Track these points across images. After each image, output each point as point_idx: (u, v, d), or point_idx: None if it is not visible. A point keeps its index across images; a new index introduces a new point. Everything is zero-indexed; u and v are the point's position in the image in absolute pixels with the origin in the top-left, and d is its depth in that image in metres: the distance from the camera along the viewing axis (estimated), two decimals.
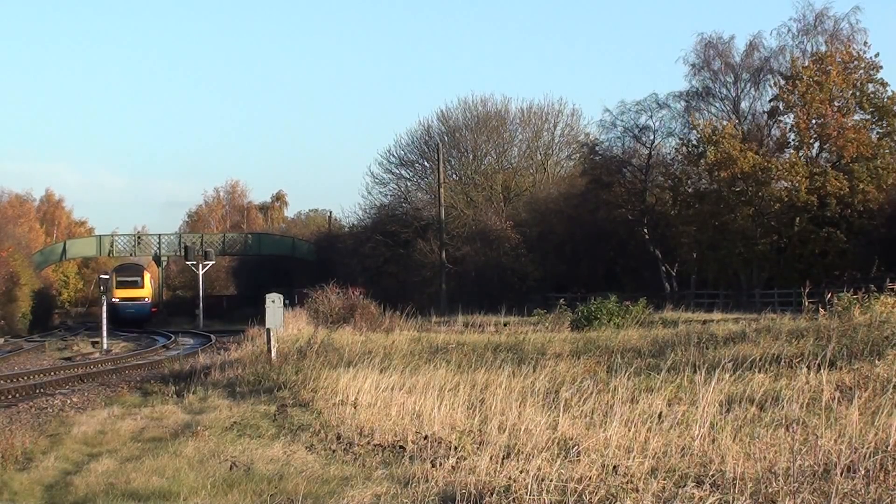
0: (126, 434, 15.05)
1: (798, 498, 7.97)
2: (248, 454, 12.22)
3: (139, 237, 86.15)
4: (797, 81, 49.06)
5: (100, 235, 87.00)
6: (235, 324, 52.01)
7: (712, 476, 8.82)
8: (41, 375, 27.43)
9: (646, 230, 54.98)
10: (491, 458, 9.74)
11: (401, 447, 11.79)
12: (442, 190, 60.71)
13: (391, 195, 70.44)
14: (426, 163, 68.25)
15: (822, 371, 12.93)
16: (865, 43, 50.68)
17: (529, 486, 8.65)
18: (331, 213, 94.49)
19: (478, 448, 10.51)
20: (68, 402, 20.57)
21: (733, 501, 8.14)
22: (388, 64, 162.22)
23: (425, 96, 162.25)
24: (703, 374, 12.67)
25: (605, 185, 56.64)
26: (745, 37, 73.48)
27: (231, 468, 11.38)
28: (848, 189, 47.30)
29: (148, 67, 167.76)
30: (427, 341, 24.55)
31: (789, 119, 51.30)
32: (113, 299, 64.39)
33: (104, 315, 40.05)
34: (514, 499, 8.59)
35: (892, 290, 25.52)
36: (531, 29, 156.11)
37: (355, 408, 14.32)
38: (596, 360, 17.82)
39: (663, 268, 54.47)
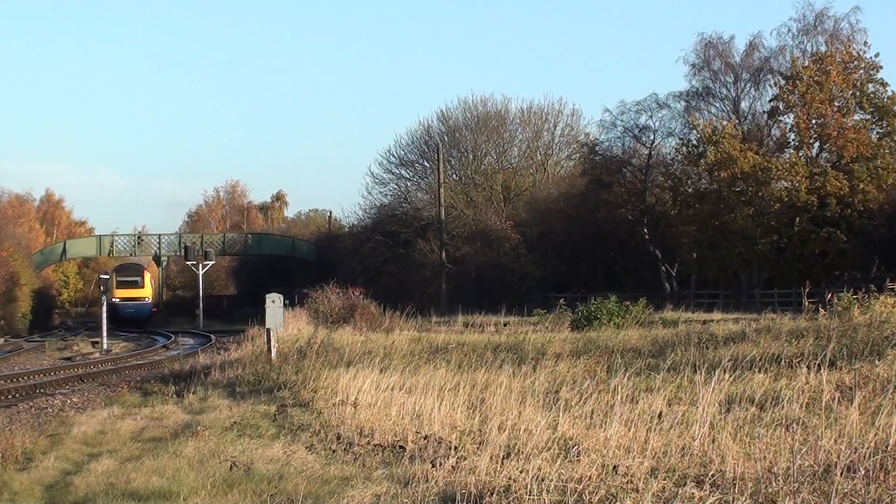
0: (126, 434, 15.05)
1: (798, 498, 7.97)
2: (248, 454, 12.22)
3: (139, 237, 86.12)
4: (797, 81, 49.06)
5: (100, 235, 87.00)
6: (235, 324, 52.00)
7: (712, 476, 8.81)
8: (41, 375, 27.43)
9: (646, 230, 54.98)
10: (491, 458, 9.74)
11: (401, 447, 11.79)
12: (442, 190, 60.70)
13: (391, 195, 70.51)
14: (426, 163, 68.27)
15: (822, 371, 12.93)
16: (865, 43, 50.75)
17: (529, 486, 8.65)
18: (331, 213, 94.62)
19: (478, 448, 10.51)
20: (68, 402, 20.57)
21: (733, 501, 8.13)
22: (388, 64, 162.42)
23: (425, 96, 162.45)
24: (703, 374, 12.68)
25: (605, 185, 56.63)
26: (745, 37, 73.66)
27: (231, 468, 11.38)
28: (848, 189, 47.30)
29: (148, 67, 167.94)
30: (427, 341, 24.55)
31: (789, 119, 51.31)
32: (113, 299, 64.38)
33: (104, 315, 40.05)
34: (514, 499, 8.59)
35: (892, 290, 25.55)
36: (531, 29, 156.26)
37: (355, 408, 14.32)
38: (596, 360, 17.81)
39: (663, 268, 54.47)
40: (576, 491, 8.58)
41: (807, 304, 25.90)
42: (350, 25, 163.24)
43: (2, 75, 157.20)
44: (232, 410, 16.34)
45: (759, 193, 49.38)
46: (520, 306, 43.46)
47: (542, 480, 8.75)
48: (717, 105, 55.45)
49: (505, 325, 33.40)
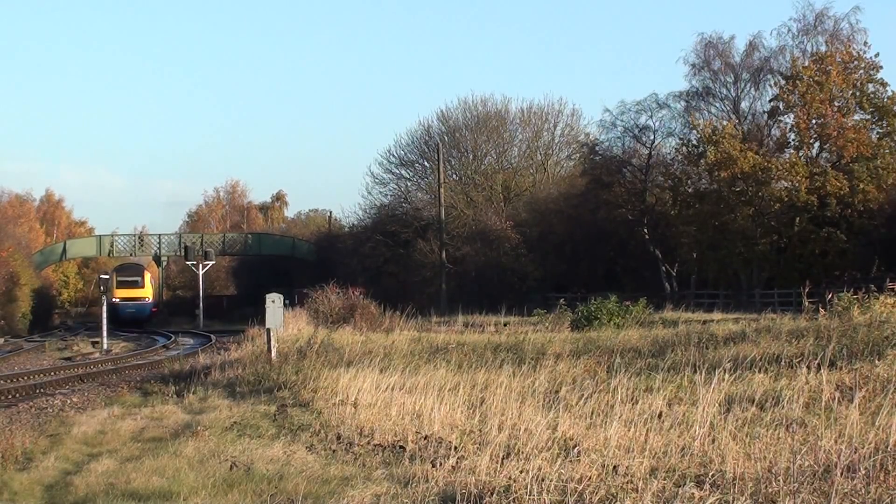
0: (126, 434, 15.05)
1: (798, 498, 7.97)
2: (248, 454, 12.22)
3: (140, 237, 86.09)
4: (797, 81, 49.06)
5: (100, 235, 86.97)
6: (235, 324, 52.01)
7: (712, 476, 8.82)
8: (41, 375, 27.43)
9: (646, 230, 54.98)
10: (491, 458, 9.74)
11: (401, 447, 11.79)
12: (442, 190, 60.70)
13: (391, 195, 70.51)
14: (426, 163, 68.27)
15: (822, 371, 12.94)
16: (865, 43, 50.75)
17: (529, 486, 8.65)
18: (331, 213, 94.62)
19: (478, 448, 10.52)
20: (68, 402, 20.57)
21: (733, 501, 8.13)
22: (388, 64, 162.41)
23: (425, 96, 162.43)
24: (703, 374, 12.69)
25: (605, 185, 56.63)
26: (745, 37, 73.51)
27: (231, 468, 11.38)
28: (848, 189, 47.30)
29: (148, 67, 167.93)
30: (427, 341, 24.55)
31: (789, 119, 51.31)
32: (113, 299, 64.37)
33: (104, 315, 40.06)
34: (514, 499, 8.59)
35: (892, 290, 25.56)
36: (531, 29, 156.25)
37: (355, 408, 14.33)
38: (596, 360, 17.82)
39: (663, 268, 54.48)
40: (576, 491, 8.58)
41: (807, 304, 25.92)
42: (350, 25, 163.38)
43: (2, 75, 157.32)
44: (232, 410, 16.35)
45: (759, 193, 49.38)
46: (520, 306, 43.48)
47: (542, 480, 8.75)
48: (717, 105, 55.50)
49: (505, 325, 33.40)
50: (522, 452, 10.10)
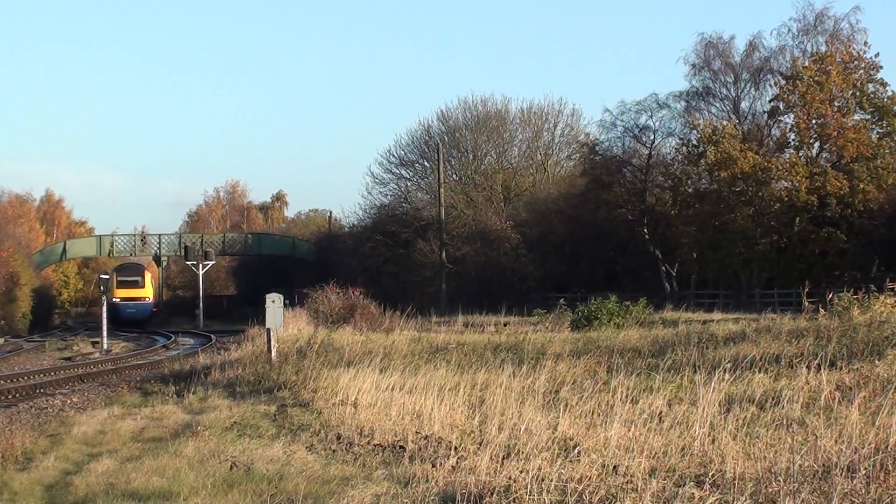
0: (126, 434, 15.05)
1: (798, 498, 7.97)
2: (248, 454, 12.23)
3: (142, 237, 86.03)
4: (797, 81, 49.04)
5: (100, 235, 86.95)
6: (235, 324, 52.01)
7: (712, 476, 8.82)
8: (41, 375, 27.43)
9: (646, 230, 54.97)
10: (491, 458, 9.74)
11: (401, 447, 11.79)
12: (442, 190, 60.69)
13: (391, 195, 70.49)
14: (426, 163, 68.25)
15: (822, 371, 12.94)
16: (865, 43, 50.72)
17: (529, 486, 8.65)
18: (331, 213, 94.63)
19: (478, 448, 10.51)
20: (68, 402, 20.57)
21: (733, 501, 8.13)
22: (388, 64, 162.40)
23: (425, 96, 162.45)
24: (703, 374, 12.69)
25: (605, 185, 56.61)
26: (745, 37, 73.54)
27: (231, 468, 11.38)
28: (848, 189, 47.29)
29: (148, 67, 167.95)
30: (427, 341, 24.56)
31: (789, 119, 51.29)
32: (114, 299, 64.37)
33: (104, 315, 40.06)
34: (514, 499, 8.59)
35: (892, 290, 25.50)
36: (531, 29, 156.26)
37: (355, 408, 14.33)
38: (596, 360, 17.81)
39: (663, 268, 54.47)
40: (576, 491, 8.58)
41: (807, 304, 25.88)
42: (350, 25, 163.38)
43: (2, 75, 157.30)
44: (232, 410, 16.35)
45: (759, 193, 49.37)
46: (520, 306, 43.47)
47: (542, 480, 8.75)
48: (717, 105, 55.47)
49: (505, 325, 33.40)
50: (522, 452, 10.10)
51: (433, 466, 10.17)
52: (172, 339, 47.27)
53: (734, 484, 8.47)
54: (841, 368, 14.57)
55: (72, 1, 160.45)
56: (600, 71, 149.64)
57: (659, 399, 12.06)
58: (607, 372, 15.56)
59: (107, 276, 43.22)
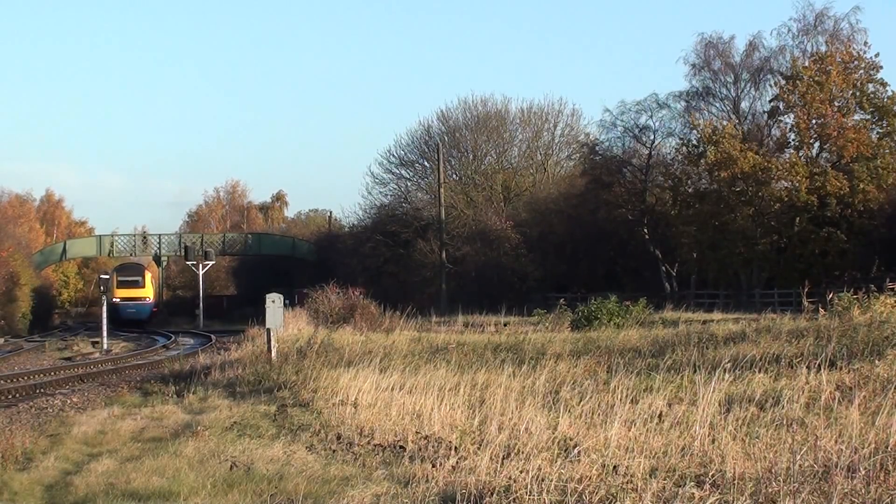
0: (126, 434, 15.05)
1: (798, 498, 7.96)
2: (248, 454, 12.23)
3: (144, 237, 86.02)
4: (797, 81, 49.05)
5: (100, 235, 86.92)
6: (235, 324, 52.01)
7: (712, 476, 8.82)
8: (41, 375, 27.43)
9: (646, 230, 54.97)
10: (491, 458, 9.74)
11: (401, 447, 11.79)
12: (442, 190, 60.69)
13: (391, 195, 70.50)
14: (426, 163, 68.26)
15: (822, 371, 12.94)
16: (865, 43, 50.72)
17: (529, 486, 8.65)
18: (331, 213, 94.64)
19: (478, 448, 10.51)
20: (68, 402, 20.57)
21: (733, 501, 8.13)
22: (388, 64, 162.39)
23: (425, 96, 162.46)
24: (703, 374, 12.69)
25: (605, 185, 56.62)
26: (745, 37, 73.51)
27: (231, 468, 11.38)
28: (848, 189, 47.30)
29: (148, 67, 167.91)
30: (427, 341, 24.56)
31: (789, 119, 51.29)
32: (114, 299, 64.34)
33: (104, 315, 40.07)
34: (514, 499, 8.59)
35: (892, 290, 25.50)
36: (531, 29, 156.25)
37: (355, 408, 14.33)
38: (596, 360, 17.81)
39: (663, 268, 54.47)
40: (576, 491, 8.58)
41: (807, 304, 25.88)
42: (350, 25, 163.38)
43: (2, 75, 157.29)
44: (232, 410, 16.35)
45: (760, 193, 49.38)
46: (520, 306, 43.48)
47: (542, 480, 8.75)
48: (717, 105, 55.46)
49: (505, 325, 33.39)
50: (522, 452, 10.10)
51: (433, 466, 10.17)
52: (172, 339, 47.28)
53: (734, 484, 8.47)
54: (841, 368, 14.56)
55: (72, 1, 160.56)
56: (600, 71, 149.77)
57: (659, 399, 12.06)
58: (607, 372, 15.55)
59: (107, 276, 43.22)
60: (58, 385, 24.68)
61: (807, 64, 49.95)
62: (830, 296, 24.38)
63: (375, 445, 12.16)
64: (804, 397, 11.81)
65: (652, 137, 56.80)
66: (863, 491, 8.12)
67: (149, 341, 47.27)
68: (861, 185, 47.36)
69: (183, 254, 79.87)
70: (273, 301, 24.01)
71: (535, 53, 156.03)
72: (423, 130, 68.35)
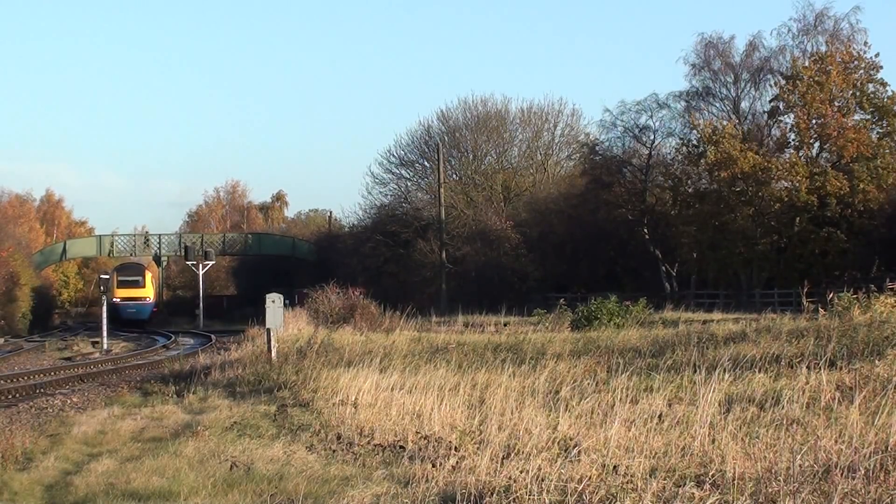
0: (126, 434, 15.05)
1: (798, 498, 7.96)
2: (248, 454, 12.23)
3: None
4: (797, 81, 49.05)
5: (100, 235, 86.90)
6: (235, 324, 52.02)
7: (712, 476, 8.82)
8: (41, 375, 27.43)
9: (646, 230, 54.97)
10: (491, 458, 9.74)
11: (401, 447, 11.79)
12: (442, 190, 60.70)
13: (391, 195, 70.50)
14: (426, 163, 68.27)
15: (822, 371, 12.94)
16: (865, 43, 50.73)
17: (529, 486, 8.65)
18: (331, 213, 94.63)
19: (478, 448, 10.51)
20: (68, 402, 20.57)
21: (733, 501, 8.13)
22: (389, 64, 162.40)
23: (425, 96, 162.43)
24: (703, 374, 12.68)
25: (606, 185, 56.62)
26: (745, 37, 73.48)
27: (231, 468, 11.38)
28: (848, 189, 47.31)
29: (148, 68, 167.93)
30: (427, 341, 24.55)
31: (789, 119, 51.28)
32: (114, 299, 64.32)
33: (104, 315, 40.08)
34: (514, 499, 8.59)
35: (892, 290, 25.46)
36: (531, 29, 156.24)
37: (355, 408, 14.33)
38: (596, 360, 17.80)
39: (663, 268, 54.48)
40: (576, 491, 8.58)
41: (807, 304, 25.86)
42: (350, 25, 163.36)
43: (2, 75, 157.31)
44: (232, 410, 16.35)
45: (760, 193, 49.38)
46: (520, 306, 43.47)
47: (542, 480, 8.75)
48: (718, 105, 55.47)
49: (505, 325, 33.39)
50: (522, 452, 10.10)
51: (433, 466, 10.17)
52: (172, 339, 47.28)
53: (734, 484, 8.47)
54: (841, 368, 14.56)
55: (72, 1, 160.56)
56: (600, 71, 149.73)
57: (659, 399, 12.07)
58: (607, 372, 15.54)
59: (107, 276, 43.22)
60: (58, 385, 24.68)
61: (807, 64, 49.96)
62: (830, 296, 24.36)
63: (375, 445, 12.16)
64: (804, 397, 11.81)
65: (652, 137, 56.88)
66: (863, 491, 8.12)
67: (149, 341, 47.27)
68: (861, 185, 47.36)
69: (183, 254, 79.85)
70: (273, 301, 24.01)
71: (536, 53, 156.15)
72: (423, 130, 68.44)
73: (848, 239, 47.42)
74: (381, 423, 13.11)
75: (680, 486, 8.60)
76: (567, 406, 12.25)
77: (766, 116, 53.39)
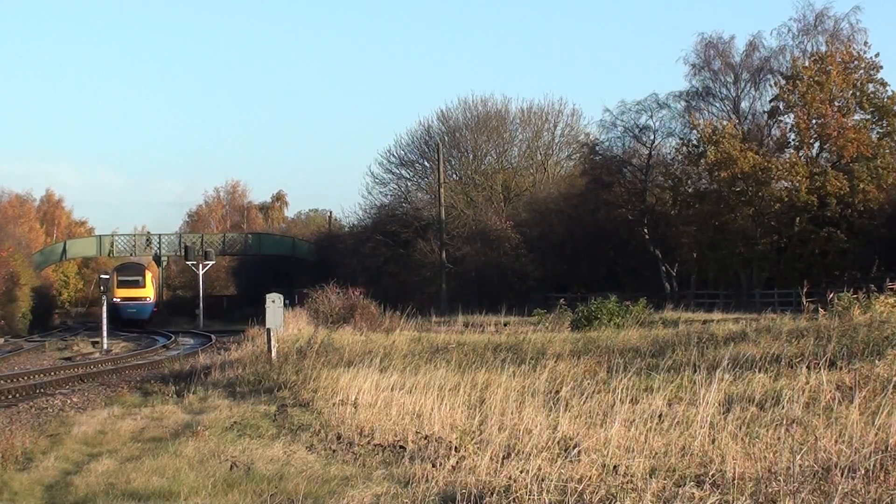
0: (126, 434, 15.05)
1: (798, 498, 7.96)
2: (248, 454, 12.23)
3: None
4: (797, 81, 49.06)
5: (100, 235, 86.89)
6: (235, 324, 52.02)
7: (712, 476, 8.82)
8: (41, 375, 27.43)
9: (646, 230, 54.98)
10: (491, 458, 9.74)
11: (401, 447, 11.79)
12: (442, 190, 60.71)
13: (391, 195, 70.52)
14: (426, 163, 68.29)
15: (822, 371, 12.94)
16: (865, 43, 50.74)
17: (529, 486, 8.65)
18: (331, 213, 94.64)
19: (478, 448, 10.51)
20: (68, 402, 20.57)
21: (733, 501, 8.13)
22: (388, 64, 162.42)
23: (425, 96, 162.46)
24: (703, 374, 12.69)
25: (606, 185, 56.64)
26: (745, 37, 73.47)
27: (231, 468, 11.38)
28: (848, 189, 47.31)
29: (148, 67, 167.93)
30: (427, 341, 24.54)
31: (789, 119, 51.30)
32: (114, 299, 64.30)
33: (104, 315, 40.08)
34: (514, 499, 8.59)
35: (892, 289, 25.46)
36: (531, 29, 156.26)
37: (355, 408, 14.33)
38: (596, 360, 17.80)
39: (663, 268, 54.48)
40: (576, 491, 8.58)
41: (807, 304, 25.85)
42: (350, 25, 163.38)
43: (2, 75, 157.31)
44: (232, 410, 16.35)
45: (760, 193, 49.39)
46: (520, 306, 43.48)
47: (542, 480, 8.75)
48: (718, 105, 55.48)
49: (505, 325, 33.39)
50: (522, 452, 10.10)
51: (433, 466, 10.17)
52: (172, 339, 47.27)
53: (734, 484, 8.47)
54: (841, 368, 14.55)
55: (72, 1, 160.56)
56: (600, 71, 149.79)
57: (659, 399, 12.06)
58: (607, 372, 15.54)
59: (107, 276, 43.22)
60: (58, 385, 24.68)
61: (807, 64, 49.97)
62: (830, 296, 24.35)
63: (375, 445, 12.16)
64: (804, 397, 11.81)
65: (652, 137, 56.90)
66: (863, 491, 8.11)
67: (149, 341, 47.26)
68: (861, 185, 47.37)
69: (183, 254, 79.86)
70: (273, 301, 24.01)
71: (535, 53, 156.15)
72: (423, 130, 68.46)
73: (848, 239, 47.43)
74: (381, 423, 13.11)
75: (680, 486, 8.60)
76: (567, 406, 12.25)
77: (766, 116, 53.41)
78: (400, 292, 50.52)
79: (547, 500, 8.49)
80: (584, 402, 12.22)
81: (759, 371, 14.65)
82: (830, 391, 12.12)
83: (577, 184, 60.27)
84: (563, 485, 8.69)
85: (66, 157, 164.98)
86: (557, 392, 13.53)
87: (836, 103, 49.38)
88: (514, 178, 66.22)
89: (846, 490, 8.07)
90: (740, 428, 10.42)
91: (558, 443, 10.43)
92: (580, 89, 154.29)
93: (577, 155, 64.70)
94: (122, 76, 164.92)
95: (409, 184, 70.24)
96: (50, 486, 11.60)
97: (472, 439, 11.12)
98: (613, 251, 57.33)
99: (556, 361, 17.11)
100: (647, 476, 8.90)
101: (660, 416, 11.24)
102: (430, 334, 28.12)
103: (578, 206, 57.56)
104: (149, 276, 72.96)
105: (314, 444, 12.85)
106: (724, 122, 52.25)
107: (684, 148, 54.59)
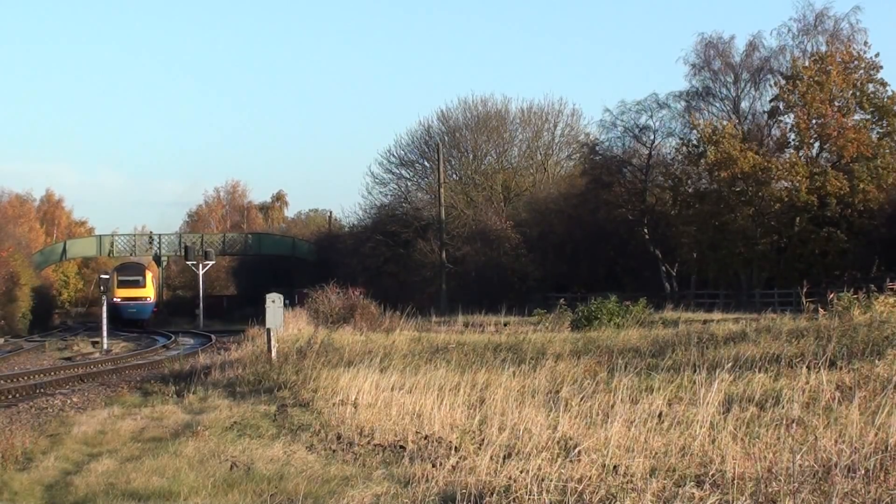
0: (126, 434, 15.05)
1: (798, 498, 7.96)
2: (248, 454, 12.23)
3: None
4: (797, 81, 49.07)
5: (100, 235, 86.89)
6: (235, 324, 52.03)
7: (712, 476, 8.81)
8: (41, 375, 27.43)
9: (646, 230, 54.99)
10: (491, 457, 9.74)
11: (401, 447, 11.79)
12: (442, 190, 60.71)
13: (391, 195, 70.54)
14: (426, 163, 68.30)
15: (822, 371, 12.93)
16: (865, 43, 50.75)
17: (529, 486, 8.65)
18: (331, 213, 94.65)
19: (478, 448, 10.51)
20: (68, 402, 20.57)
21: (733, 501, 8.13)
22: (388, 64, 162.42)
23: (425, 96, 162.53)
24: (703, 374, 12.69)
25: (606, 185, 56.65)
26: (745, 37, 73.51)
27: (231, 468, 11.38)
28: (848, 189, 47.32)
29: (148, 67, 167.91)
30: (427, 341, 24.54)
31: (789, 119, 51.31)
32: (114, 299, 64.29)
33: (104, 315, 40.07)
34: (514, 499, 8.59)
35: (892, 289, 25.47)
36: (531, 29, 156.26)
37: (355, 408, 14.33)
38: (596, 360, 17.80)
39: (663, 268, 54.48)
40: (576, 491, 8.58)
41: (807, 304, 25.86)
42: (350, 25, 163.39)
43: (2, 75, 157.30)
44: (232, 410, 16.35)
45: (760, 193, 49.39)
46: (520, 306, 43.48)
47: (542, 480, 8.75)
48: (718, 105, 55.50)
49: (505, 325, 33.39)
50: (522, 452, 10.10)
51: (433, 466, 10.17)
52: (172, 339, 47.27)
53: (734, 484, 8.47)
54: (841, 368, 14.55)
55: (72, 1, 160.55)
56: (600, 71, 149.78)
57: (659, 399, 12.06)
58: (607, 372, 15.55)
59: (107, 276, 43.21)
60: (58, 385, 24.67)
61: (807, 64, 49.97)
62: (830, 296, 24.36)
63: (375, 445, 12.16)
64: (804, 397, 11.81)
65: (652, 137, 56.91)
66: (863, 491, 8.12)
67: (149, 341, 47.26)
68: (861, 185, 47.38)
69: (183, 254, 79.86)
70: (273, 301, 24.00)
71: (536, 53, 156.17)
72: (423, 130, 68.48)
73: (848, 239, 47.44)
74: (381, 423, 13.10)
75: (680, 486, 8.60)
76: (567, 406, 12.25)
77: (766, 116, 53.41)
78: (400, 292, 50.51)
79: (547, 500, 8.49)
80: (584, 402, 12.22)
81: (759, 371, 14.65)
82: (830, 391, 12.12)
83: (577, 184, 60.28)
84: (563, 485, 8.69)
85: (66, 156, 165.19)
86: (557, 392, 13.54)
87: (836, 103, 49.39)
88: (514, 178, 66.23)
89: (846, 490, 8.07)
90: (740, 428, 10.42)
91: (558, 443, 10.43)
92: (580, 89, 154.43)
93: (577, 155, 64.71)
94: (121, 76, 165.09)
95: (409, 184, 70.31)
96: (50, 486, 11.60)
97: (472, 439, 11.12)
98: (613, 251, 57.34)
99: (556, 361, 17.12)
100: (647, 476, 8.90)
101: (660, 416, 11.24)
102: (430, 334, 28.12)
103: (578, 206, 57.57)
104: (149, 276, 72.95)
105: (314, 444, 12.84)
106: (724, 122, 52.26)
107: (684, 148, 54.61)
